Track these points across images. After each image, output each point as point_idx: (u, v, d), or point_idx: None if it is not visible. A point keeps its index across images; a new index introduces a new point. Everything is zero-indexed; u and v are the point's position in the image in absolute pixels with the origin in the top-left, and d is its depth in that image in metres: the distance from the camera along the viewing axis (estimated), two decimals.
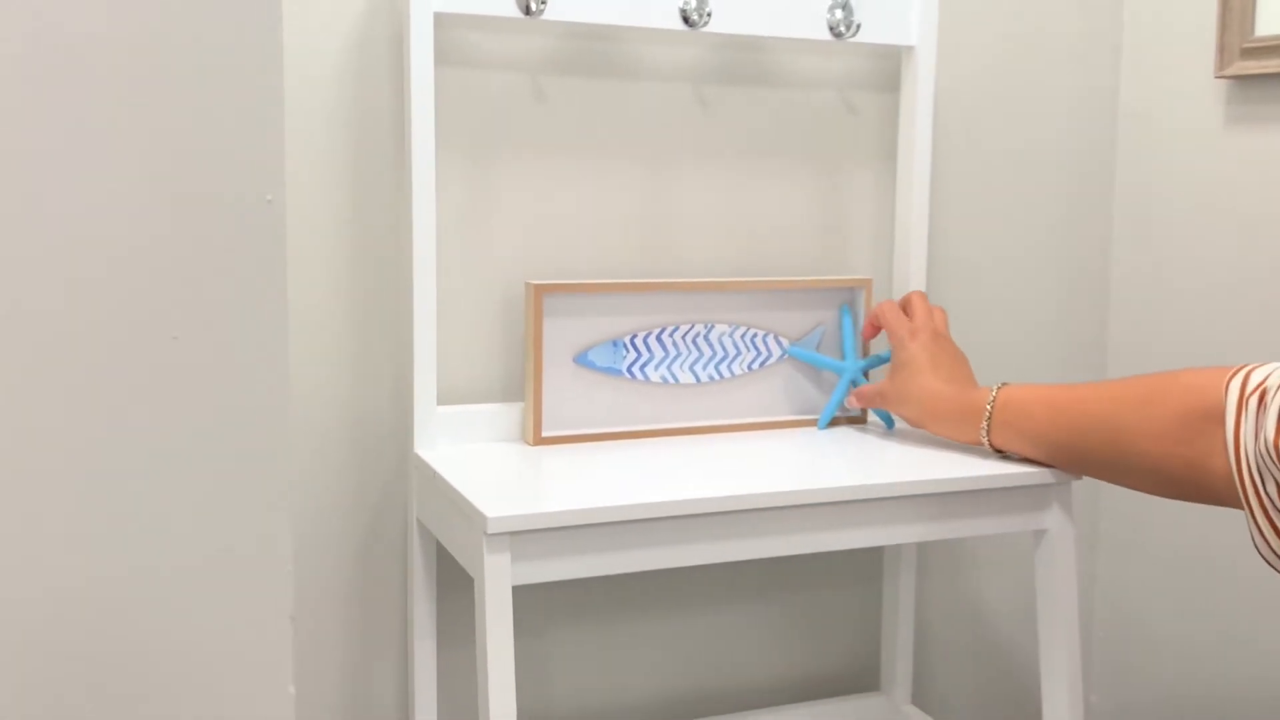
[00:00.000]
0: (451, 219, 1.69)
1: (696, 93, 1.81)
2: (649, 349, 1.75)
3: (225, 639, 0.84)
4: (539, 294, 1.66)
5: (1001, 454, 1.60)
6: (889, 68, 1.92)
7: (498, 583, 1.35)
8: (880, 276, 1.94)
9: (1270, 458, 1.22)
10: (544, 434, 1.69)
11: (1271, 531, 1.27)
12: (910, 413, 1.66)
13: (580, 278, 1.77)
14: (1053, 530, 1.62)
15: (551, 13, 1.63)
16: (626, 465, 1.58)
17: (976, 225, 2.02)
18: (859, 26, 1.79)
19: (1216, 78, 1.89)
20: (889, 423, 1.84)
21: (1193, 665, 2.02)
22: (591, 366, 1.72)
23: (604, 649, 1.87)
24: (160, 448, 0.82)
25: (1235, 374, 1.34)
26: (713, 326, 1.79)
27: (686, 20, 1.70)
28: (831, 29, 1.79)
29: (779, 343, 1.83)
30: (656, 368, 1.76)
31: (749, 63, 1.84)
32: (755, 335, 1.81)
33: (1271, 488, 1.25)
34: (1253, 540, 1.32)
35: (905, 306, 1.77)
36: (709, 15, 1.70)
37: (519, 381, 1.75)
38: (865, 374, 1.83)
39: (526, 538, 1.37)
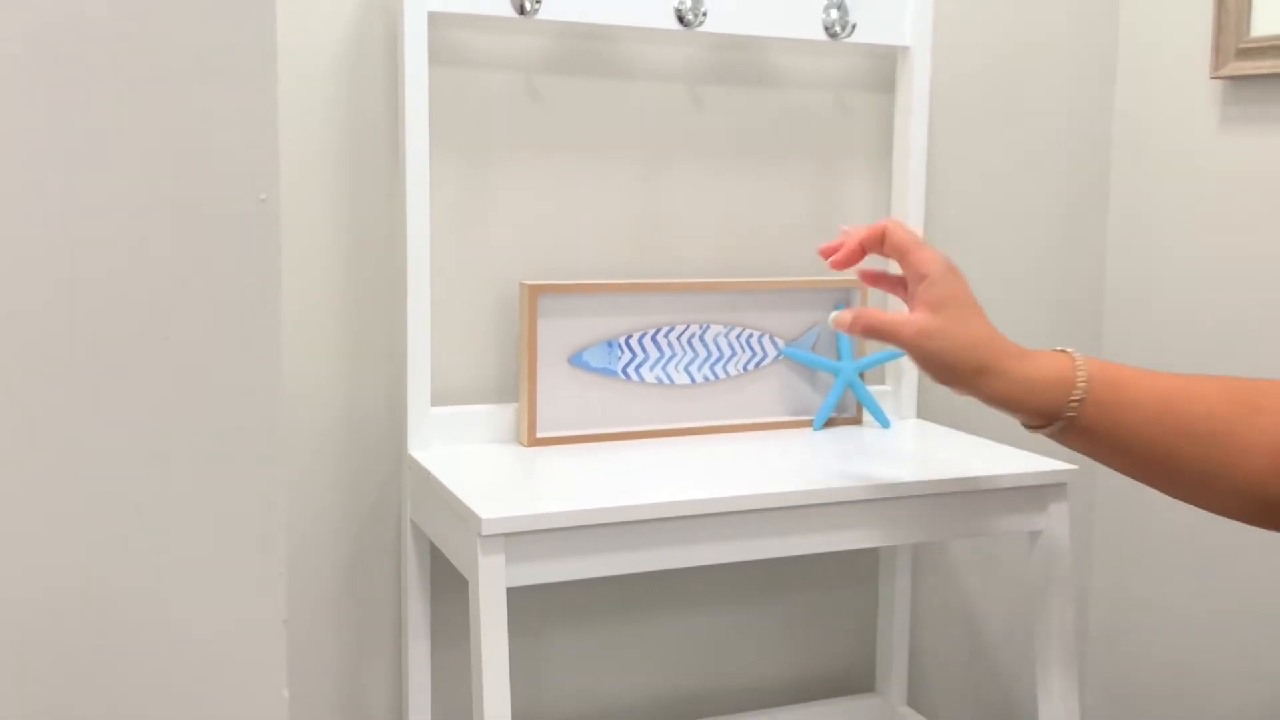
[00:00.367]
0: (446, 219, 1.69)
1: (691, 93, 1.81)
2: (644, 350, 1.75)
3: (219, 643, 0.83)
4: (533, 294, 1.66)
5: (1057, 440, 1.27)
6: (884, 68, 1.91)
7: (492, 584, 1.35)
8: None
9: None
10: (538, 435, 1.69)
11: None
12: (965, 360, 1.24)
13: (575, 278, 1.76)
14: (1049, 531, 1.62)
15: (546, 12, 1.62)
16: (621, 466, 1.58)
17: (971, 225, 2.02)
18: (854, 27, 1.79)
19: (1212, 78, 1.89)
20: (885, 423, 1.83)
21: (1188, 666, 2.02)
22: (586, 367, 1.72)
23: (598, 650, 1.86)
24: (153, 450, 0.81)
25: None
26: (708, 327, 1.78)
27: (681, 20, 1.70)
28: (827, 29, 1.78)
29: (774, 343, 1.82)
30: (651, 368, 1.75)
31: (744, 63, 1.83)
32: (750, 336, 1.81)
33: None
34: None
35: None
36: (704, 15, 1.70)
37: (513, 382, 1.74)
38: (861, 375, 1.82)
39: (521, 539, 1.36)
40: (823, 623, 2.01)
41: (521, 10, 1.61)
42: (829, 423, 1.84)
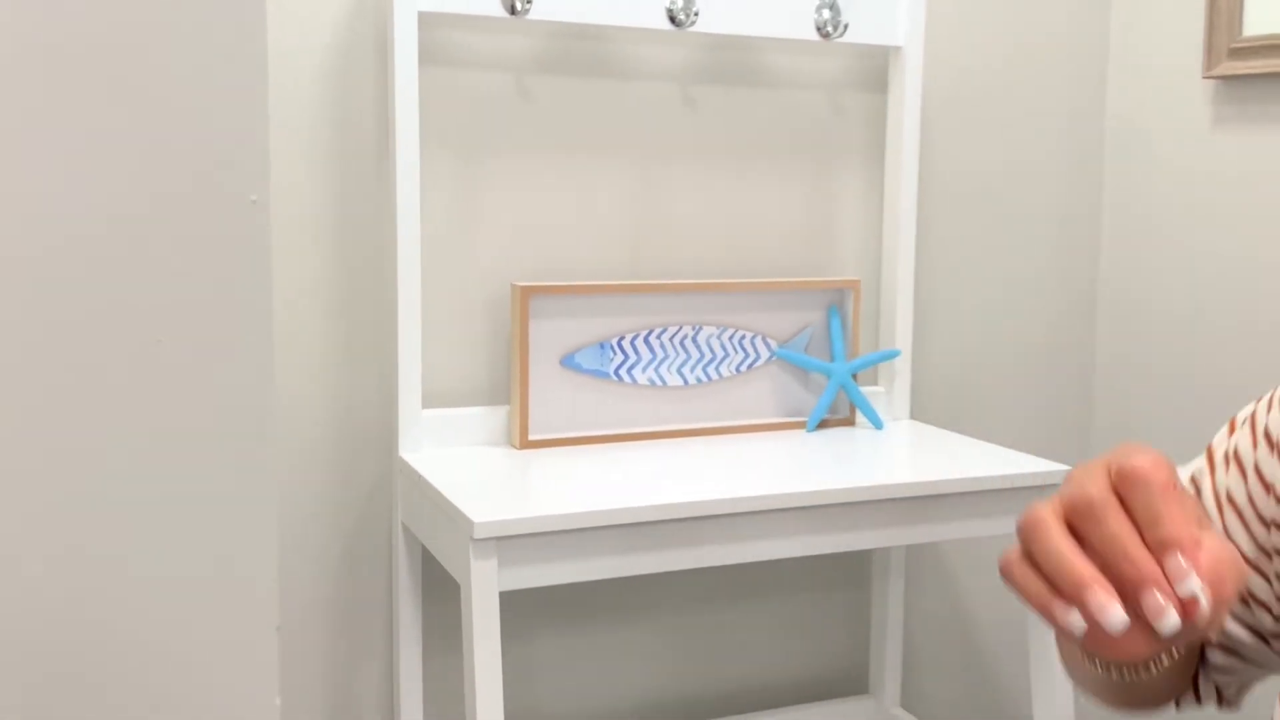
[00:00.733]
0: (436, 220, 1.68)
1: (683, 93, 1.80)
2: (636, 351, 1.74)
3: (211, 651, 0.82)
4: (525, 296, 1.65)
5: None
6: (876, 68, 1.91)
7: (485, 588, 1.34)
8: (868, 277, 1.93)
9: None
10: (530, 437, 1.68)
11: None
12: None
13: (566, 279, 1.75)
14: None
15: (537, 12, 1.61)
16: (614, 469, 1.57)
17: (964, 226, 2.01)
18: (846, 27, 1.78)
19: (1204, 78, 1.88)
20: (878, 424, 1.83)
21: None
22: (578, 369, 1.71)
23: (591, 654, 1.85)
24: (144, 457, 0.80)
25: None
26: (700, 328, 1.77)
27: (673, 20, 1.69)
28: (819, 29, 1.78)
29: (767, 344, 1.82)
30: (644, 370, 1.74)
31: (736, 63, 1.83)
32: (743, 337, 1.80)
33: None
34: None
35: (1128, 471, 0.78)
36: (696, 15, 1.69)
37: (505, 384, 1.73)
38: (854, 376, 1.82)
39: (513, 543, 1.35)
40: (816, 625, 2.00)
41: (512, 10, 1.60)
42: (822, 424, 1.83)
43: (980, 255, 2.03)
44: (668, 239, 1.81)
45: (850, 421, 1.85)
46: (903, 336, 1.88)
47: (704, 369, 1.78)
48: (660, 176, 1.80)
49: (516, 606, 1.78)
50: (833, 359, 1.82)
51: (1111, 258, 2.10)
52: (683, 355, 1.76)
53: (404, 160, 1.57)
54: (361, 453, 1.69)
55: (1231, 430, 0.88)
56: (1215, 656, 0.89)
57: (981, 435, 2.06)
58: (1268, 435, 0.82)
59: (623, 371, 1.73)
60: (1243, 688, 0.94)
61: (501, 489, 1.49)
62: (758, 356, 1.81)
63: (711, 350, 1.78)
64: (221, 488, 0.82)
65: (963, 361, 2.04)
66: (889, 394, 1.90)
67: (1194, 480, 0.90)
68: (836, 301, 1.84)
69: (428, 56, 1.64)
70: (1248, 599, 0.83)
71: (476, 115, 1.69)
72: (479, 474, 1.54)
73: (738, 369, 1.80)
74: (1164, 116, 2.00)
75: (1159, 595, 0.59)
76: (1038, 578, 0.63)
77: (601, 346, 1.72)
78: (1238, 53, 1.83)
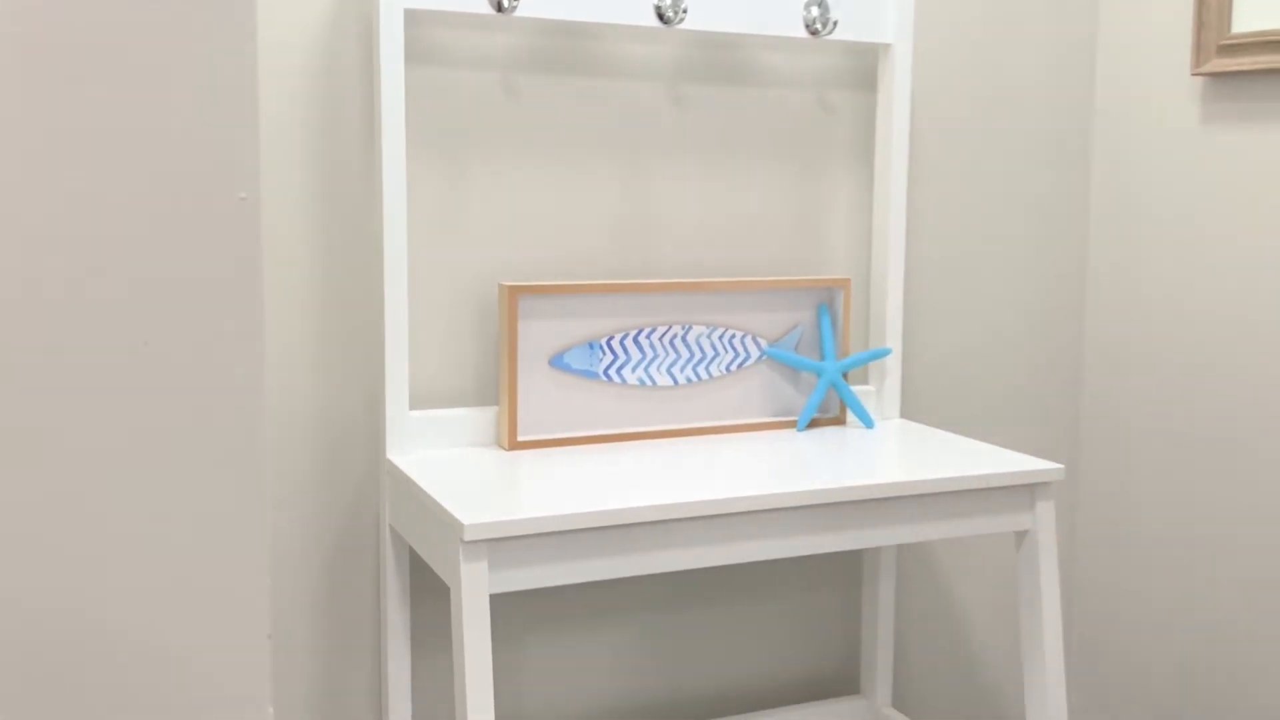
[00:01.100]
0: (423, 219, 1.66)
1: (672, 91, 1.79)
2: (625, 351, 1.72)
3: (203, 659, 0.81)
4: (513, 295, 1.64)
5: None
6: (865, 65, 1.90)
7: (475, 591, 1.32)
8: (858, 276, 1.92)
9: None
10: (519, 438, 1.66)
11: None
12: None
13: (555, 279, 1.74)
14: (1035, 531, 1.61)
15: (524, 9, 1.60)
16: (604, 470, 1.56)
17: (954, 223, 2.01)
18: (835, 24, 1.77)
19: (1193, 75, 1.88)
20: (868, 423, 1.82)
21: (1173, 664, 2.02)
22: (567, 369, 1.69)
23: (581, 656, 1.84)
24: (136, 464, 0.79)
25: None
26: (690, 328, 1.76)
27: (661, 17, 1.68)
28: (808, 26, 1.77)
29: (757, 344, 1.81)
30: (633, 370, 1.73)
31: (725, 61, 1.82)
32: (733, 336, 1.79)
33: None
34: None
35: None
36: (684, 12, 1.68)
37: (493, 385, 1.72)
38: (844, 375, 1.81)
39: (504, 545, 1.34)
40: (807, 625, 1.99)
41: (499, 7, 1.59)
42: (813, 423, 1.82)
43: (969, 251, 2.03)
44: (657, 238, 1.80)
45: (841, 420, 1.84)
46: (893, 335, 1.88)
47: (694, 369, 1.77)
48: (649, 175, 1.79)
49: (504, 608, 1.77)
50: (823, 358, 1.81)
51: (1100, 255, 2.10)
52: (672, 355, 1.75)
53: (390, 159, 1.56)
54: (348, 454, 1.67)
55: None
56: None
57: (972, 433, 2.05)
58: None
59: (612, 371, 1.72)
60: None
61: (491, 491, 1.48)
62: (748, 356, 1.80)
63: (701, 350, 1.77)
64: (211, 495, 0.81)
65: (953, 360, 2.04)
66: (879, 393, 1.89)
67: None
68: (826, 300, 1.83)
69: (414, 55, 1.63)
70: None
71: (463, 114, 1.67)
72: (468, 476, 1.52)
73: (728, 368, 1.79)
74: (1153, 113, 1.99)
75: None
76: None
77: (591, 346, 1.71)
78: (1227, 50, 1.82)
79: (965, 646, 2.13)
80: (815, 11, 1.77)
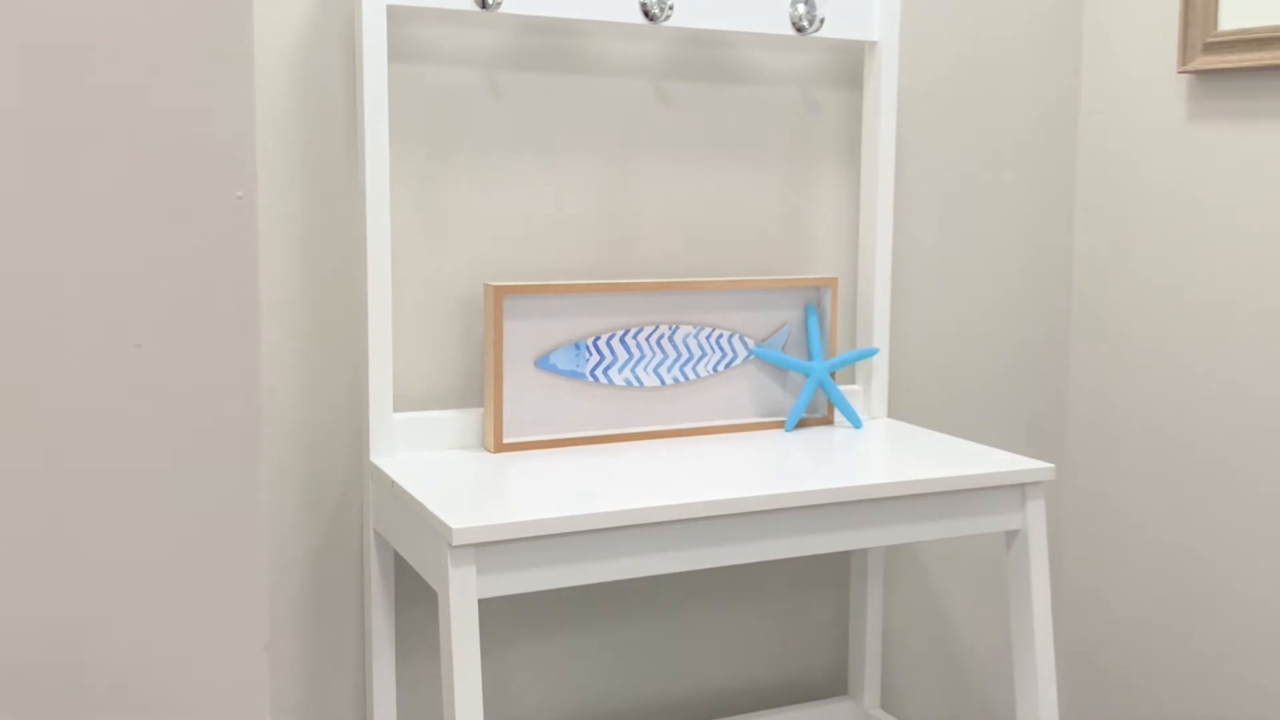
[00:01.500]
0: (407, 219, 1.64)
1: (658, 89, 1.77)
2: (612, 351, 1.71)
3: (200, 672, 0.79)
4: (499, 295, 1.62)
5: None
6: (852, 63, 1.89)
7: (463, 596, 1.30)
8: (845, 275, 1.91)
9: None
10: (505, 440, 1.64)
11: None
12: None
13: (541, 278, 1.72)
14: (1025, 530, 1.60)
15: (508, 5, 1.58)
16: (591, 472, 1.54)
17: (940, 222, 2.00)
18: (822, 21, 1.76)
19: (1179, 72, 1.87)
20: (856, 423, 1.81)
21: (1159, 664, 2.01)
22: (553, 370, 1.68)
23: (569, 659, 1.82)
24: (132, 469, 0.77)
25: None
26: (677, 328, 1.75)
27: (647, 14, 1.66)
28: (794, 24, 1.76)
29: (744, 344, 1.79)
30: (620, 370, 1.72)
31: (711, 58, 1.80)
32: (720, 336, 1.77)
33: None
34: None
35: None
36: (670, 9, 1.66)
37: (478, 386, 1.70)
38: (832, 374, 1.80)
39: (492, 549, 1.32)
40: (795, 627, 1.98)
41: (483, 4, 1.57)
42: (801, 423, 1.81)
43: (957, 252, 2.02)
44: (643, 237, 1.78)
45: (829, 420, 1.83)
46: (880, 334, 1.86)
47: (681, 369, 1.75)
48: (635, 174, 1.77)
49: (491, 612, 1.75)
50: (810, 358, 1.80)
51: (1087, 254, 2.10)
52: (659, 355, 1.74)
53: (373, 158, 1.54)
54: (331, 457, 1.65)
55: None
56: None
57: (960, 433, 2.05)
58: None
59: (598, 372, 1.70)
60: None
61: (477, 494, 1.46)
62: (735, 356, 1.79)
63: (688, 350, 1.75)
64: (207, 502, 0.79)
65: (940, 359, 2.03)
66: (867, 392, 1.88)
67: None
68: (814, 299, 1.82)
69: (397, 52, 1.61)
70: None
71: (447, 112, 1.65)
72: (453, 479, 1.50)
73: (715, 368, 1.78)
74: (1139, 112, 1.99)
75: None
76: None
77: (577, 347, 1.69)
78: (1213, 48, 1.82)
79: (954, 647, 2.12)
80: (801, 9, 1.75)
